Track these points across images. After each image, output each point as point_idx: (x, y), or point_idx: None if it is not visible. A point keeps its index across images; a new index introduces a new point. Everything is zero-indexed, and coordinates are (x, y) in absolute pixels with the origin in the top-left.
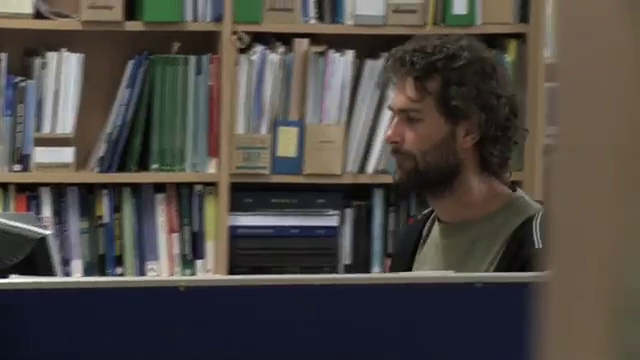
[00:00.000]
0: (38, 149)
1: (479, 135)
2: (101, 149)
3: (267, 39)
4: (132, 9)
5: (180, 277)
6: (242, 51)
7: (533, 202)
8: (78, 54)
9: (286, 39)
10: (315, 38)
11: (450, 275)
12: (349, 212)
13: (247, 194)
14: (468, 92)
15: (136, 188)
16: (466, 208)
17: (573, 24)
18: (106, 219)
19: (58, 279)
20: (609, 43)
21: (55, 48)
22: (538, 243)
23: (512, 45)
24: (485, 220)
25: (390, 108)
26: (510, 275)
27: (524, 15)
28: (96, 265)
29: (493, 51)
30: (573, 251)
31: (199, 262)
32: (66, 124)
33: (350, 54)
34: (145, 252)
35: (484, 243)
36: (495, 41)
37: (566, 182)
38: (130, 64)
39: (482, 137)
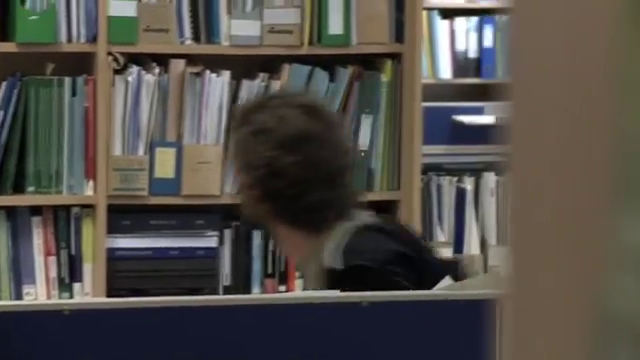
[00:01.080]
0: None
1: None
2: None
3: (143, 60)
4: (4, 30)
5: (64, 300)
6: (117, 72)
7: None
8: None
9: (162, 60)
10: (191, 59)
11: (333, 294)
12: (228, 233)
13: (125, 216)
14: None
15: (11, 211)
16: None
17: (526, 43)
18: None
19: None
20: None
21: None
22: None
23: (388, 65)
24: None
25: None
26: (391, 294)
27: (399, 35)
28: None
29: (369, 71)
30: (534, 269)
31: (77, 285)
32: None
33: (227, 74)
34: (21, 276)
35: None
36: (371, 61)
37: (520, 201)
38: (3, 86)
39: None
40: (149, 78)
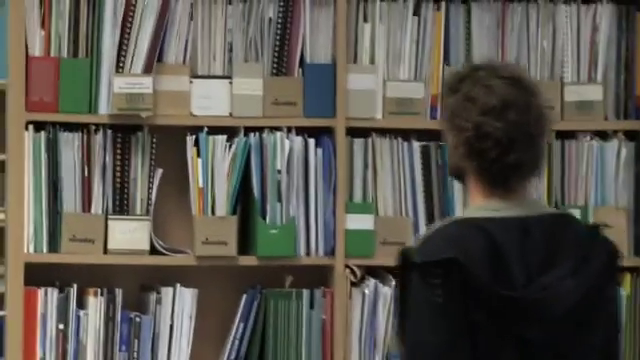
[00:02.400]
0: None
1: None
2: None
3: (379, 273)
4: (246, 243)
5: None
6: (354, 284)
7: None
8: (192, 289)
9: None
10: None
11: None
12: None
13: None
14: None
15: None
16: None
17: None
18: None
19: None
20: None
21: (170, 283)
22: None
23: (627, 279)
24: None
25: None
26: None
27: (639, 249)
28: None
29: None
30: None
31: None
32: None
33: None
34: None
35: None
36: None
37: None
38: (243, 298)
39: None
40: (386, 291)
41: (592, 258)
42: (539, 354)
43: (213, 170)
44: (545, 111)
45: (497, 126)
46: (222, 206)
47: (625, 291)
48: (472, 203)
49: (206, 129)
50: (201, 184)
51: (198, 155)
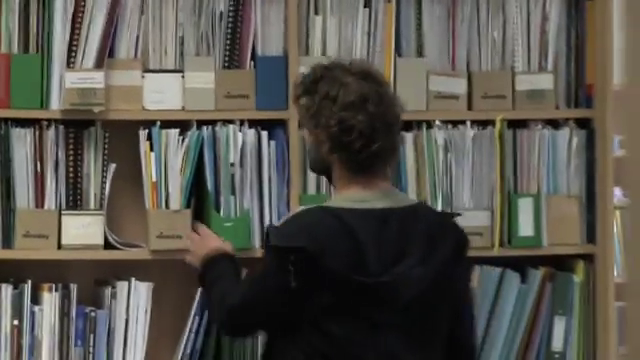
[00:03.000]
0: None
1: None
2: None
3: None
4: None
5: None
6: None
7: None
8: (147, 283)
9: None
10: None
11: None
12: None
13: None
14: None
15: None
16: None
17: None
18: None
19: None
20: None
21: (125, 277)
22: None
23: (580, 266)
24: None
25: None
26: None
27: (591, 236)
28: None
29: (561, 272)
30: None
31: None
32: (136, 354)
33: None
34: None
35: None
36: (562, 262)
37: None
38: (199, 292)
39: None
40: None
41: (440, 248)
42: (391, 336)
43: (166, 164)
44: (396, 100)
45: (359, 119)
46: (176, 200)
47: (578, 278)
48: (337, 194)
49: (159, 123)
50: (154, 178)
51: (151, 149)
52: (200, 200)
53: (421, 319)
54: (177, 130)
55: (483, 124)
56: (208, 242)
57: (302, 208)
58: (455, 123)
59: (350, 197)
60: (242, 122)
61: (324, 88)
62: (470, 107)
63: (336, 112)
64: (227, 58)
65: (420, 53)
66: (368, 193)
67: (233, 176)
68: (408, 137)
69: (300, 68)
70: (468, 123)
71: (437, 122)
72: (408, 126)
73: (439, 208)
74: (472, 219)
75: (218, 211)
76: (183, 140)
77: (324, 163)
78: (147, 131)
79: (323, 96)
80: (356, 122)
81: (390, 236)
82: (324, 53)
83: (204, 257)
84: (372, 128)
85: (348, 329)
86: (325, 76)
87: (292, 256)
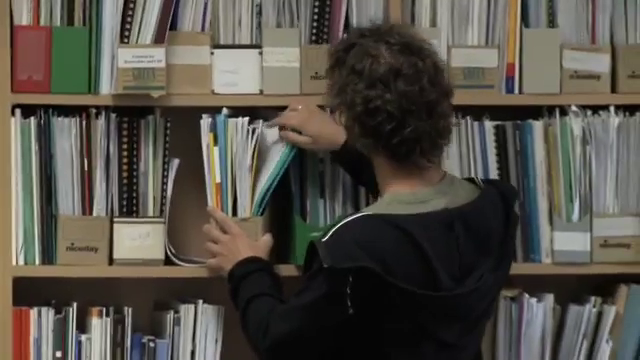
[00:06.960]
0: None
1: None
2: None
3: None
4: (283, 250)
5: None
6: None
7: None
8: (217, 306)
9: None
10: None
11: None
12: None
13: None
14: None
15: None
16: None
17: None
18: None
19: None
20: None
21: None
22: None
23: None
24: None
25: None
26: None
27: None
28: None
29: None
30: None
31: None
32: None
33: (549, 298)
34: None
35: None
36: None
37: None
38: None
39: None
40: None
41: (509, 249)
42: (453, 354)
43: (233, 161)
44: (441, 77)
45: (387, 98)
46: (245, 206)
47: None
48: (386, 191)
49: (225, 111)
50: (218, 179)
51: (215, 143)
52: (281, 205)
53: (476, 328)
54: (246, 119)
55: (630, 110)
56: (241, 244)
57: (350, 217)
58: (596, 109)
59: (403, 198)
60: None
61: (351, 60)
62: (614, 89)
63: (361, 90)
64: (315, 30)
65: (552, 23)
66: (423, 190)
67: (322, 175)
68: (537, 126)
69: None
70: (612, 109)
71: (573, 107)
72: (537, 113)
73: (576, 214)
74: (617, 227)
75: (304, 219)
76: (254, 131)
77: (365, 151)
78: (210, 120)
79: (350, 70)
80: (382, 102)
81: (459, 244)
82: (433, 24)
83: (237, 264)
84: (402, 109)
85: (417, 356)
86: (356, 44)
87: (350, 278)
